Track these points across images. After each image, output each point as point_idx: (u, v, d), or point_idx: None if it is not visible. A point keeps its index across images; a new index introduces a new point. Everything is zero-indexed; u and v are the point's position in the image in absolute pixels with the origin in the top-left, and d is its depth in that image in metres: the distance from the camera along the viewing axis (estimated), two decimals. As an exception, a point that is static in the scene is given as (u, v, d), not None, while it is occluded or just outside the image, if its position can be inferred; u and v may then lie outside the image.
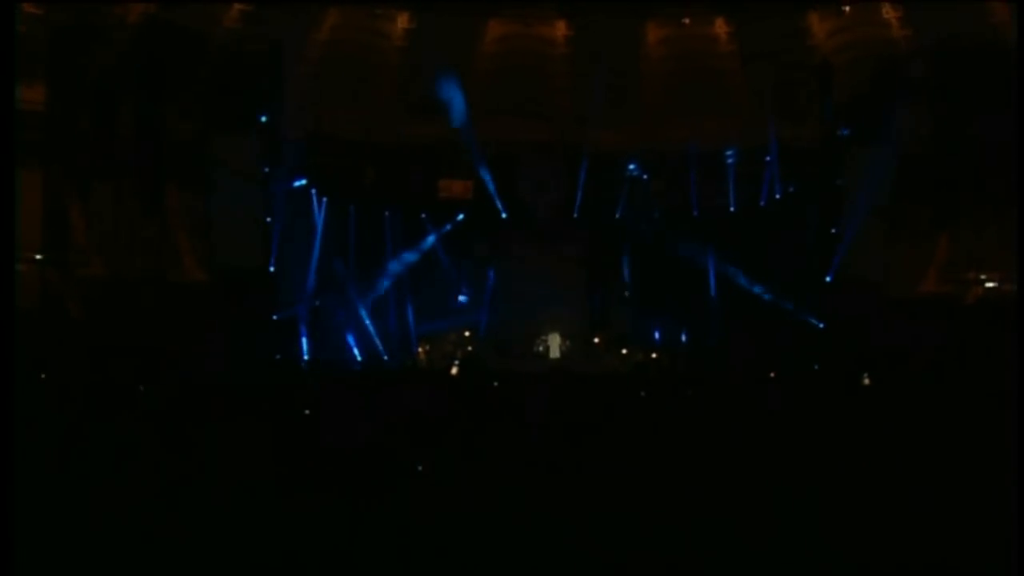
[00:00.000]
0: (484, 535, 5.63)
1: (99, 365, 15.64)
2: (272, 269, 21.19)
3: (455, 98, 21.31)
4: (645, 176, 23.56)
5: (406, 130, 23.09)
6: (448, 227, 23.58)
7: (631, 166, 23.51)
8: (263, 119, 21.09)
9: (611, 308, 23.87)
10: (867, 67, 21.63)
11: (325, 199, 22.34)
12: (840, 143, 21.60)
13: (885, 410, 12.05)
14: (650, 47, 23.41)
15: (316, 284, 21.94)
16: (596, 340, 23.52)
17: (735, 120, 22.60)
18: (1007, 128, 18.32)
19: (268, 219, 21.18)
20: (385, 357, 22.43)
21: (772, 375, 18.92)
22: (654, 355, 22.80)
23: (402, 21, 22.99)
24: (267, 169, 21.22)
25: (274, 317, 21.17)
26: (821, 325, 21.24)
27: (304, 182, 21.82)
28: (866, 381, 17.33)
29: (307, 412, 10.79)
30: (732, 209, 23.00)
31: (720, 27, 22.99)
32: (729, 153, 22.95)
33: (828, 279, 21.41)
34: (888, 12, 21.46)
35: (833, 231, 21.32)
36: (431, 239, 23.51)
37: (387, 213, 23.07)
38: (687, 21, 22.98)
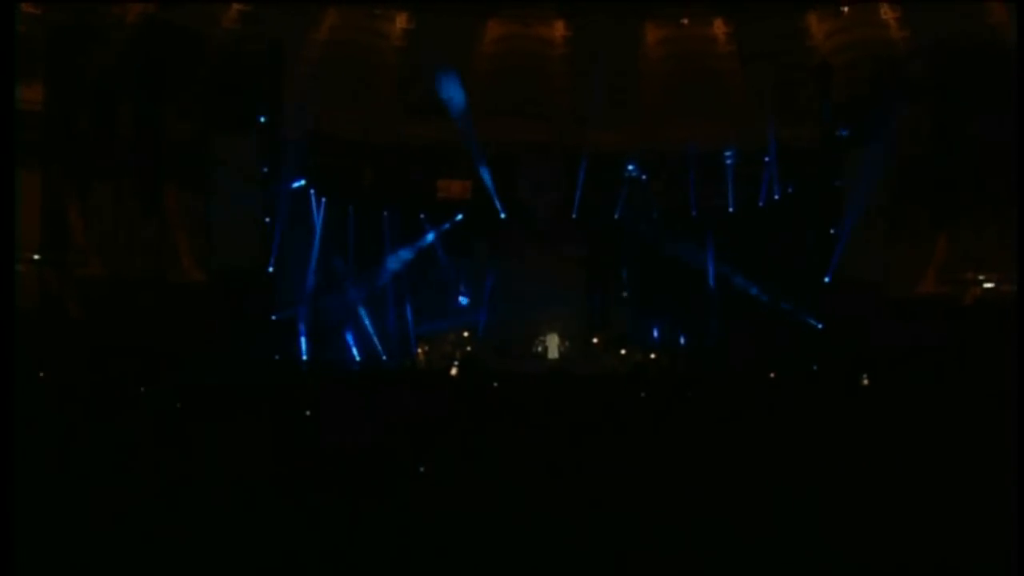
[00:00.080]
0: (483, 535, 5.63)
1: (98, 365, 15.62)
2: (271, 269, 21.19)
3: (454, 98, 21.31)
4: (644, 176, 23.57)
5: (405, 130, 23.09)
6: (447, 227, 23.57)
7: (630, 166, 23.51)
8: (262, 119, 21.09)
9: (610, 308, 23.87)
10: (866, 68, 21.65)
11: (324, 199, 22.34)
12: (839, 143, 21.62)
13: (884, 410, 12.05)
14: (649, 47, 23.41)
15: (315, 284, 21.94)
16: (595, 340, 23.52)
17: (734, 121, 22.60)
18: (1006, 128, 18.33)
19: (267, 219, 21.18)
20: (384, 357, 22.43)
21: (771, 375, 18.92)
22: (653, 355, 22.80)
23: (401, 21, 22.99)
24: (266, 169, 21.21)
25: (273, 317, 21.17)
26: (820, 325, 21.25)
27: (303, 182, 21.81)
28: (865, 381, 17.33)
29: (307, 413, 10.78)
30: (731, 209, 23.01)
31: (719, 28, 22.99)
32: (728, 153, 22.96)
33: (827, 279, 21.44)
34: (887, 13, 21.48)
35: (832, 231, 21.33)
36: (430, 239, 23.51)
37: (386, 213, 23.06)
38: (686, 22, 22.98)
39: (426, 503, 6.36)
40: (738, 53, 22.88)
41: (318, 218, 22.22)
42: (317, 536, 5.59)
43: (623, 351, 23.00)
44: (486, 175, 22.69)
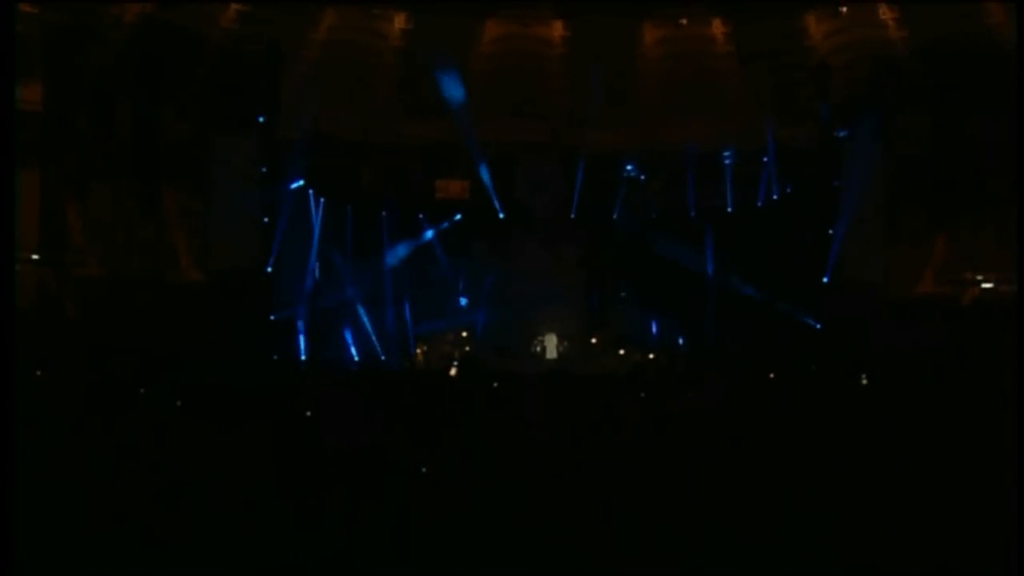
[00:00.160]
0: (483, 536, 5.62)
1: (96, 365, 15.60)
2: (270, 269, 21.18)
3: (454, 95, 21.30)
4: (642, 176, 23.56)
5: (403, 130, 23.08)
6: (445, 227, 23.56)
7: (628, 166, 23.50)
8: (260, 119, 21.08)
9: (609, 308, 23.86)
10: (864, 68, 21.67)
11: (323, 199, 22.33)
12: (837, 144, 21.62)
13: (883, 411, 12.05)
14: (647, 48, 23.42)
15: (314, 284, 21.93)
16: (594, 340, 23.51)
17: (732, 121, 22.60)
18: (1004, 128, 18.35)
19: (266, 219, 21.17)
20: (383, 357, 22.42)
21: (770, 376, 18.92)
22: (651, 355, 22.80)
23: (399, 21, 22.99)
24: (264, 169, 21.19)
25: (272, 317, 21.16)
26: (818, 326, 21.26)
27: (301, 182, 21.80)
28: (864, 382, 17.32)
29: (306, 413, 10.77)
30: (729, 210, 23.01)
31: (717, 28, 23.01)
32: (726, 154, 22.96)
33: (825, 280, 21.45)
34: (885, 13, 21.50)
35: (830, 232, 21.34)
36: (428, 239, 23.50)
37: (384, 213, 23.04)
38: (684, 22, 23.00)
39: (425, 503, 6.35)
40: (737, 53, 22.90)
41: (317, 218, 22.21)
42: (317, 536, 5.59)
43: (622, 351, 22.99)
44: (485, 175, 22.68)
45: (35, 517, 5.48)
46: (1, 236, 6.86)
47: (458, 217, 23.52)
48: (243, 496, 6.30)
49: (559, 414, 10.80)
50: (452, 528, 5.75)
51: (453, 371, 21.26)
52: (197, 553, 5.33)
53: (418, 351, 23.12)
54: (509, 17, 23.13)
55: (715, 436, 9.28)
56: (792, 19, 22.15)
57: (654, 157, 23.27)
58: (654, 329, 23.32)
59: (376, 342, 22.50)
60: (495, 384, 14.31)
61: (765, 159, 22.25)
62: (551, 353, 23.04)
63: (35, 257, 18.67)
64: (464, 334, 23.33)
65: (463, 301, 23.49)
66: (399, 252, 23.16)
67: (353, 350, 22.32)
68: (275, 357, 20.76)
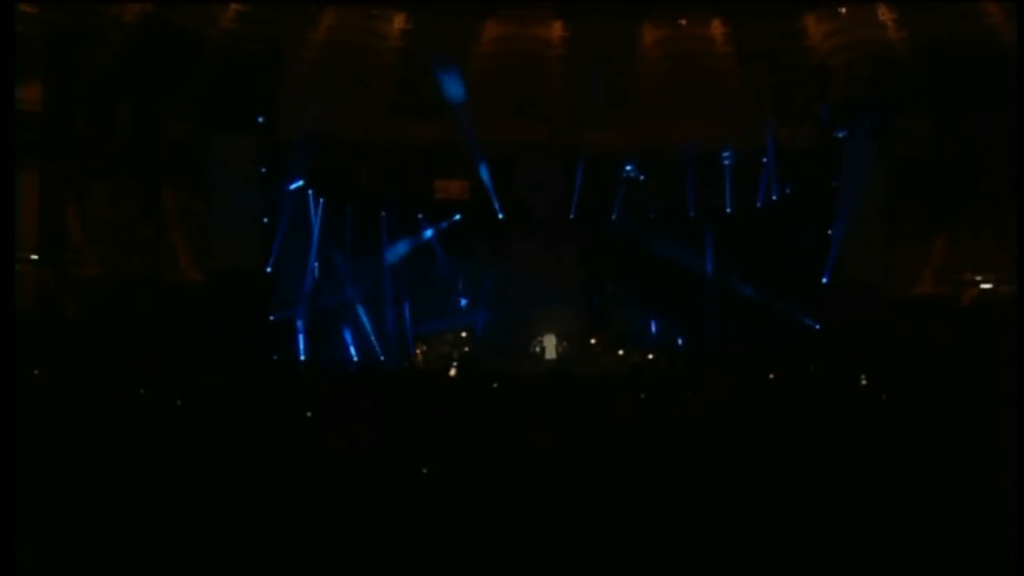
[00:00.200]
0: (482, 536, 5.62)
1: (95, 366, 15.59)
2: (269, 269, 21.18)
3: (454, 92, 21.30)
4: (642, 177, 23.56)
5: (403, 130, 23.09)
6: (445, 227, 23.55)
7: (628, 167, 23.50)
8: (260, 120, 21.07)
9: (608, 309, 23.86)
10: (864, 68, 21.67)
11: (322, 199, 22.33)
12: (837, 144, 21.62)
13: (882, 411, 12.06)
14: (647, 48, 23.43)
15: (313, 285, 21.92)
16: (593, 341, 23.51)
17: (732, 121, 22.62)
18: (1003, 129, 18.37)
19: (265, 219, 21.16)
20: (382, 358, 22.41)
21: (770, 376, 18.92)
22: (651, 356, 22.79)
23: (399, 21, 22.99)
24: (264, 169, 21.19)
25: (271, 318, 21.16)
26: (817, 326, 21.26)
27: (301, 183, 21.80)
28: (863, 382, 17.33)
29: (306, 414, 10.76)
30: (729, 210, 23.01)
31: (717, 28, 23.02)
32: (726, 154, 22.96)
33: (824, 280, 21.46)
34: (884, 14, 21.53)
35: (830, 232, 21.35)
36: (428, 240, 23.49)
37: (384, 213, 23.04)
38: (684, 22, 23.00)
39: (425, 504, 6.35)
40: (736, 54, 22.92)
41: (316, 218, 22.20)
42: (316, 536, 5.58)
43: (621, 351, 22.98)
44: (484, 175, 22.68)
45: (34, 517, 5.47)
46: (1, 236, 6.85)
47: (457, 217, 23.51)
48: (243, 496, 6.30)
49: (558, 414, 10.79)
50: (452, 528, 5.74)
51: (452, 371, 21.27)
52: (197, 553, 5.32)
53: (417, 351, 23.11)
54: (508, 17, 23.13)
55: (715, 436, 9.28)
56: (791, 19, 22.16)
57: (653, 157, 23.27)
58: (653, 329, 23.31)
59: (375, 342, 22.50)
60: (495, 384, 14.32)
61: (764, 159, 22.24)
62: (550, 353, 23.03)
63: (34, 257, 18.67)
64: (463, 334, 23.31)
65: (462, 301, 23.48)
66: (398, 252, 23.15)
67: (352, 350, 22.31)
68: (275, 357, 20.75)
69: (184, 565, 5.22)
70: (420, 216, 23.45)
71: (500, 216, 23.22)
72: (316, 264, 22.06)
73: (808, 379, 18.82)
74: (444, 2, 22.34)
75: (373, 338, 22.46)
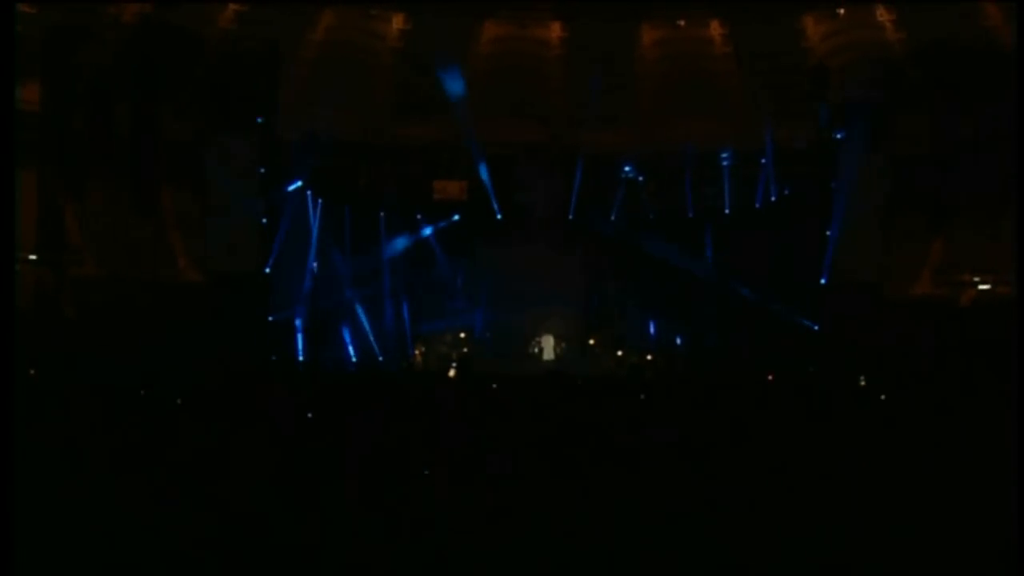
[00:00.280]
0: (482, 536, 5.62)
1: (93, 366, 15.58)
2: (268, 270, 21.18)
3: (452, 99, 21.31)
4: (640, 177, 23.57)
5: (401, 131, 23.09)
6: (443, 228, 23.55)
7: (626, 167, 23.51)
8: (259, 120, 21.06)
9: (607, 310, 23.86)
10: (862, 69, 21.67)
11: (321, 200, 22.33)
12: (835, 145, 21.64)
13: (881, 412, 12.07)
14: (645, 49, 23.43)
15: (312, 285, 21.92)
16: (592, 342, 23.51)
17: (730, 122, 22.63)
18: (1002, 130, 18.39)
19: (264, 220, 21.16)
20: (380, 359, 22.41)
21: (768, 377, 18.94)
22: (650, 357, 22.81)
23: (397, 22, 22.97)
24: (263, 170, 21.18)
25: (270, 318, 21.15)
26: (816, 327, 21.27)
27: (300, 183, 21.80)
28: (862, 383, 17.35)
29: (305, 415, 10.76)
30: (727, 211, 23.03)
31: (715, 29, 23.02)
32: (724, 155, 22.97)
33: (823, 281, 21.48)
34: (883, 15, 21.53)
35: (828, 233, 21.36)
36: (426, 240, 23.49)
37: (382, 214, 23.04)
38: (682, 23, 23.00)
39: (423, 504, 6.35)
40: (735, 55, 22.91)
41: (315, 219, 22.20)
42: (316, 536, 5.58)
43: (620, 352, 23.00)
44: (483, 176, 22.68)
45: (33, 517, 5.47)
46: (1, 236, 6.84)
47: (456, 218, 23.51)
48: (242, 496, 6.29)
49: (557, 415, 10.79)
50: (451, 528, 5.74)
51: (452, 372, 21.28)
52: (196, 553, 5.32)
53: (416, 352, 23.12)
54: (507, 18, 23.12)
55: (714, 436, 9.28)
56: (790, 21, 22.16)
57: (652, 158, 23.29)
58: (652, 330, 23.33)
59: (374, 343, 22.50)
60: (494, 385, 14.33)
61: (763, 160, 22.28)
62: (549, 354, 23.04)
63: (33, 257, 18.66)
64: (462, 335, 23.32)
65: (461, 302, 23.48)
66: (397, 253, 23.15)
67: (351, 351, 22.31)
68: (273, 358, 20.76)
69: (184, 565, 5.22)
70: (419, 216, 23.45)
71: (499, 217, 23.22)
72: (315, 265, 22.06)
73: (807, 379, 18.85)
74: (443, 3, 22.33)
75: (372, 339, 22.46)
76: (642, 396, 13.04)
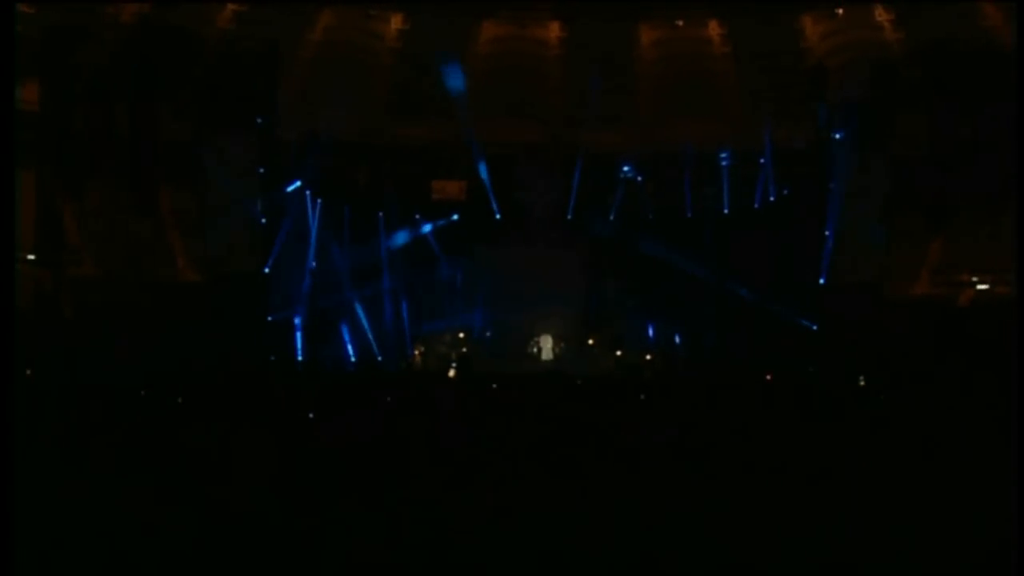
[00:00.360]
0: (481, 536, 5.62)
1: (92, 365, 15.58)
2: (267, 270, 21.17)
3: (450, 99, 21.30)
4: (639, 177, 23.57)
5: (400, 131, 23.07)
6: (442, 228, 23.55)
7: (625, 167, 23.51)
8: (258, 120, 21.05)
9: (606, 310, 23.85)
10: (861, 70, 21.67)
11: (320, 200, 22.32)
12: (834, 145, 21.65)
13: (880, 411, 12.09)
14: (644, 49, 23.42)
15: (311, 285, 21.91)
16: (591, 342, 23.51)
17: (729, 122, 22.63)
18: (1000, 130, 18.39)
19: (263, 220, 21.15)
20: (379, 358, 22.41)
21: (767, 377, 18.96)
22: (648, 357, 22.81)
23: (396, 22, 22.96)
24: (262, 170, 21.18)
25: (269, 319, 21.14)
26: (814, 327, 21.27)
27: (299, 183, 21.80)
28: (861, 382, 17.37)
29: (302, 414, 10.77)
30: (726, 211, 23.02)
31: (714, 29, 23.01)
32: (723, 155, 22.98)
33: (822, 281, 21.49)
34: (881, 15, 21.53)
35: (827, 233, 21.37)
36: (425, 240, 23.48)
37: (381, 214, 23.03)
38: (681, 23, 23.00)
39: (423, 504, 6.35)
40: (733, 55, 22.91)
41: (314, 219, 22.20)
42: (316, 536, 5.58)
43: (619, 352, 23.00)
44: (482, 176, 22.68)
45: (33, 517, 5.46)
46: (1, 236, 6.84)
47: (455, 217, 23.50)
48: (241, 496, 6.29)
49: (556, 415, 10.81)
50: (451, 528, 5.74)
51: (451, 372, 21.31)
52: (196, 553, 5.32)
53: (415, 352, 23.11)
54: (506, 18, 23.11)
55: (712, 436, 9.30)
56: (788, 21, 22.16)
57: (651, 158, 23.28)
58: (651, 330, 23.33)
59: (373, 343, 22.49)
60: (493, 385, 14.36)
61: (762, 160, 22.29)
62: (548, 354, 23.05)
63: (31, 257, 18.64)
64: (461, 335, 23.32)
65: (460, 302, 23.47)
66: (396, 253, 23.14)
67: (350, 351, 22.31)
68: (272, 358, 20.76)
69: (182, 565, 5.21)
70: (418, 216, 23.45)
71: (498, 217, 23.22)
72: (314, 264, 22.05)
73: (806, 379, 18.86)
74: (442, 3, 22.32)
75: (371, 339, 22.45)
76: (641, 396, 13.05)
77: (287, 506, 6.08)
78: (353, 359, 22.27)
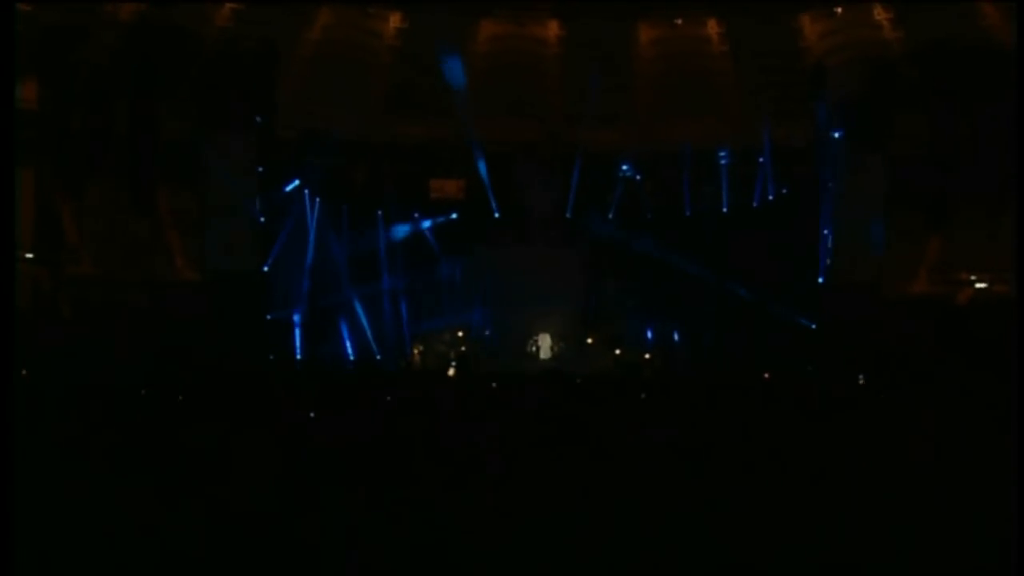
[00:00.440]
0: (480, 536, 5.62)
1: (91, 365, 15.57)
2: (266, 269, 21.16)
3: (449, 97, 21.30)
4: (638, 176, 23.58)
5: (398, 129, 23.07)
6: (441, 227, 23.54)
7: (624, 166, 23.51)
8: (257, 119, 21.04)
9: (604, 309, 23.85)
10: (859, 69, 21.69)
11: (318, 199, 22.31)
12: (833, 144, 21.66)
13: (880, 411, 12.08)
14: (643, 48, 23.43)
15: (310, 284, 21.91)
16: (589, 340, 23.51)
17: (728, 121, 22.64)
18: (999, 129, 18.41)
19: (262, 219, 21.14)
20: (378, 357, 22.41)
21: (766, 376, 18.96)
22: (647, 356, 22.81)
23: (394, 20, 22.96)
24: (260, 169, 21.17)
25: (268, 317, 21.14)
26: (813, 326, 21.29)
27: (298, 182, 21.79)
28: (861, 382, 17.37)
29: (300, 413, 10.76)
30: (725, 209, 23.03)
31: (712, 28, 23.02)
32: (722, 153, 22.98)
33: (820, 280, 21.50)
34: (880, 14, 21.56)
35: (826, 232, 21.38)
36: (424, 239, 23.48)
37: (380, 213, 23.02)
38: (680, 22, 23.00)
39: (422, 503, 6.34)
40: (732, 53, 22.91)
41: (312, 218, 22.19)
42: (317, 536, 5.58)
43: (618, 351, 23.00)
44: (480, 175, 22.67)
45: (32, 517, 5.46)
46: (1, 236, 6.83)
47: (453, 216, 23.50)
48: (241, 495, 6.29)
49: (555, 414, 10.80)
50: (451, 528, 5.74)
51: (450, 371, 21.31)
52: (195, 553, 5.31)
53: (414, 351, 23.11)
54: (505, 17, 23.11)
55: (711, 435, 9.29)
56: (787, 19, 22.17)
57: (650, 157, 23.29)
58: (650, 329, 23.33)
59: (372, 342, 22.49)
60: (492, 384, 14.35)
61: (760, 159, 22.30)
62: (547, 353, 23.05)
63: (29, 256, 18.63)
64: (460, 334, 23.31)
65: (459, 301, 23.46)
66: (395, 252, 23.14)
67: (349, 350, 22.31)
68: (271, 357, 20.75)
69: (181, 565, 5.21)
70: (416, 215, 23.44)
71: (497, 215, 23.22)
72: (313, 263, 22.05)
73: (805, 378, 18.86)
74: (440, 1, 22.31)
75: (370, 338, 22.45)
76: (641, 395, 13.05)
77: (287, 506, 6.07)
78: (352, 358, 22.26)
